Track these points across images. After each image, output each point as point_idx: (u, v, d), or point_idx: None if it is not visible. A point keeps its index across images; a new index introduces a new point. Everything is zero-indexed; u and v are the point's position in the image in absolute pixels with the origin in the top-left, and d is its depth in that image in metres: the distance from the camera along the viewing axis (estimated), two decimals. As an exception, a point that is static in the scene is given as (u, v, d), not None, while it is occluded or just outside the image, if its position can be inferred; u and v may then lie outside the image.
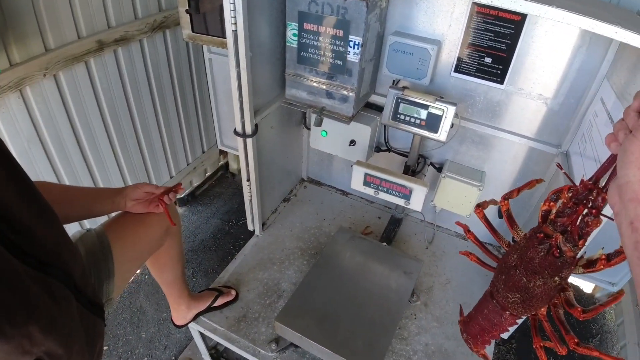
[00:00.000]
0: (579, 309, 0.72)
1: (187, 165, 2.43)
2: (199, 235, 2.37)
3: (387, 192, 1.49)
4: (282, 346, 1.40)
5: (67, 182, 1.70)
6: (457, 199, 1.61)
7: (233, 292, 1.51)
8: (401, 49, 1.40)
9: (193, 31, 1.47)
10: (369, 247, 1.61)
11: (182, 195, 2.51)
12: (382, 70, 1.49)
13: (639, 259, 0.43)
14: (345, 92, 1.39)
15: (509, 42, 1.35)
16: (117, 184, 1.96)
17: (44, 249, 0.55)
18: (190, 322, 1.45)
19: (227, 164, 2.80)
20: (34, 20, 1.37)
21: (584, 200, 0.63)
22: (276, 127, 1.66)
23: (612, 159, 0.55)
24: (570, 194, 0.65)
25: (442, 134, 1.38)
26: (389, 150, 1.77)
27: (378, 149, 1.78)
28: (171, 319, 1.45)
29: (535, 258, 0.70)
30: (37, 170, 1.55)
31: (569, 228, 0.66)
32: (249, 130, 1.39)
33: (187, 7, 1.39)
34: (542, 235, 0.69)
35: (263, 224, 1.82)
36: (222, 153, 2.70)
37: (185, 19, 1.44)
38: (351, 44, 1.27)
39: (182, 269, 1.30)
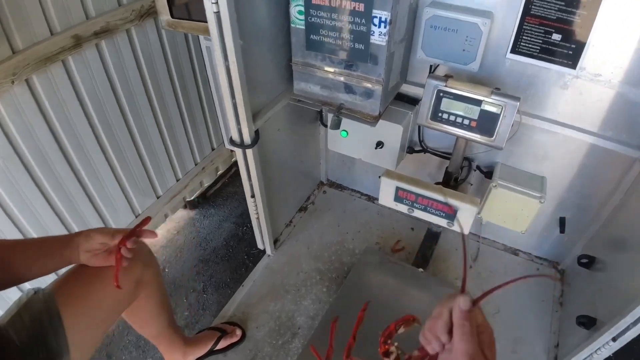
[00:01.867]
0: None
1: (195, 165, 2.20)
2: (211, 242, 2.17)
3: (424, 210, 1.19)
4: (298, 399, 1.17)
5: (56, 201, 1.50)
6: (510, 212, 1.29)
7: (238, 332, 1.28)
8: (442, 25, 1.07)
9: (172, 17, 1.19)
10: (402, 273, 1.33)
11: (193, 197, 2.30)
12: (417, 53, 1.16)
13: None
14: (369, 85, 1.09)
15: (585, 13, 0.99)
16: (117, 197, 1.76)
17: None
18: (187, 370, 1.23)
19: (240, 162, 2.56)
20: (-5, 19, 1.14)
21: None
22: (285, 128, 1.38)
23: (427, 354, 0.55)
24: None
25: (498, 138, 1.05)
26: (425, 150, 1.45)
27: (411, 150, 1.47)
28: None
29: None
30: (19, 191, 1.36)
31: None
32: (247, 139, 1.12)
33: (165, -13, 1.11)
34: None
35: (275, 241, 1.57)
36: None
37: (162, 2, 1.16)
38: (375, 21, 0.97)
39: (168, 317, 1.07)
